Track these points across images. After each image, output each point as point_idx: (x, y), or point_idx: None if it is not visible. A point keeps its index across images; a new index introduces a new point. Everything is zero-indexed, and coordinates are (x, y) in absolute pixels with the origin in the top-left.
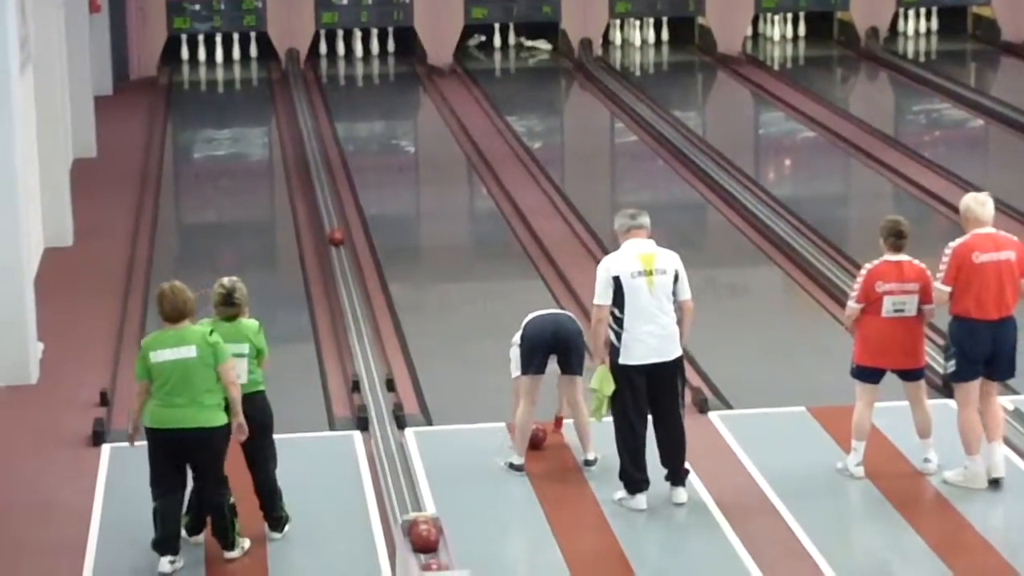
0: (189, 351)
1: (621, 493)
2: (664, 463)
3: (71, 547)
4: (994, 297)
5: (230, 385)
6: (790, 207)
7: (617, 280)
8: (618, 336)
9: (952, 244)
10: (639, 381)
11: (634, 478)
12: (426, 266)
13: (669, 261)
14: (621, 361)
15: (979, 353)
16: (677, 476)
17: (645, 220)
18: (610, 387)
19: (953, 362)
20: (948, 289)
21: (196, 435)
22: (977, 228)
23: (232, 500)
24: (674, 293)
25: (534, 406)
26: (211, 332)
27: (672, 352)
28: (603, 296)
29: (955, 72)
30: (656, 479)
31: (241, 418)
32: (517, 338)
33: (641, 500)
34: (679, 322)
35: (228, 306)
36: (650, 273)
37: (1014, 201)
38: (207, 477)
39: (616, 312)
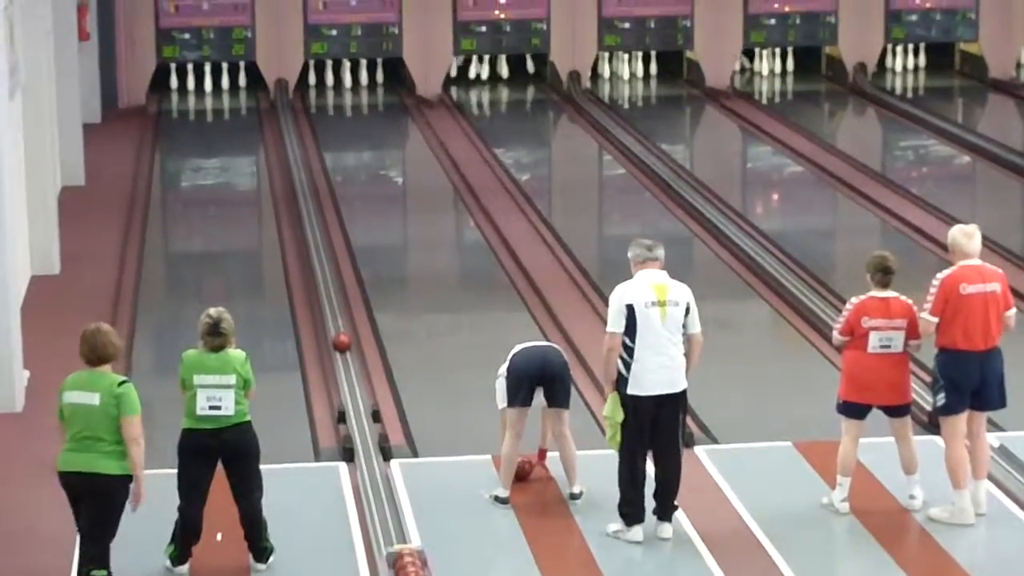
0: (92, 398)
1: (616, 525)
2: (656, 497)
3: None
4: (981, 328)
5: (131, 442)
6: (777, 241)
7: (631, 308)
8: (627, 366)
9: (940, 275)
10: (646, 411)
11: (633, 510)
12: (413, 297)
13: (682, 294)
14: (630, 391)
15: (968, 384)
16: (666, 512)
17: (660, 252)
18: (621, 415)
19: (942, 395)
20: (935, 320)
21: (90, 481)
22: (964, 260)
23: (104, 574)
24: (684, 326)
25: (520, 439)
26: (123, 382)
27: (679, 383)
28: (616, 324)
29: (942, 108)
30: None
31: (141, 478)
32: (503, 369)
33: (638, 532)
34: (686, 354)
35: (214, 336)
36: (663, 304)
37: (1000, 237)
38: (91, 531)
39: (627, 341)
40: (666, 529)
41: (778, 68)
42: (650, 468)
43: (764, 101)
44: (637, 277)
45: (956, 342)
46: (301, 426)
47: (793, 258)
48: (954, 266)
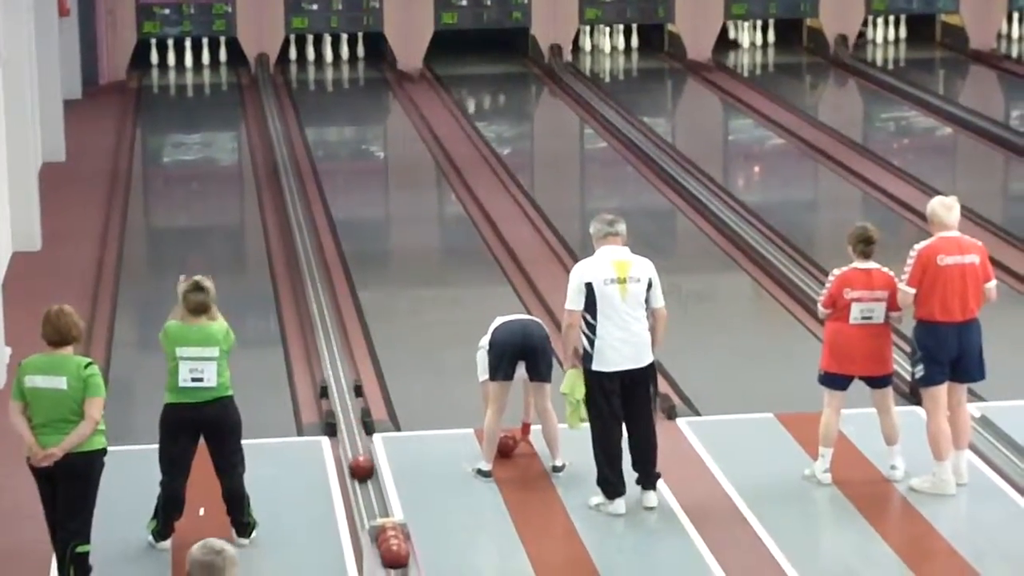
0: (59, 382)
1: (598, 498)
2: (635, 467)
3: (36, 554)
4: (959, 299)
5: (88, 419)
6: (759, 213)
7: (589, 286)
8: (591, 342)
9: (917, 246)
10: (613, 387)
11: (612, 483)
12: (395, 271)
13: (643, 269)
14: (594, 368)
15: (945, 355)
16: (648, 480)
17: (622, 227)
18: (581, 391)
19: (921, 367)
20: (913, 291)
21: (67, 462)
22: (942, 232)
23: (88, 549)
24: (647, 300)
25: (502, 412)
26: (88, 364)
27: (644, 358)
28: (574, 301)
29: (923, 80)
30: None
31: (62, 451)
32: (484, 342)
33: (620, 505)
34: (651, 329)
35: (197, 292)
36: (624, 280)
37: (981, 208)
38: (72, 507)
39: (588, 318)
40: (651, 497)
41: (759, 40)
42: (626, 441)
43: (745, 73)
44: (598, 253)
45: (934, 314)
46: (283, 401)
47: (775, 230)
48: (932, 237)
